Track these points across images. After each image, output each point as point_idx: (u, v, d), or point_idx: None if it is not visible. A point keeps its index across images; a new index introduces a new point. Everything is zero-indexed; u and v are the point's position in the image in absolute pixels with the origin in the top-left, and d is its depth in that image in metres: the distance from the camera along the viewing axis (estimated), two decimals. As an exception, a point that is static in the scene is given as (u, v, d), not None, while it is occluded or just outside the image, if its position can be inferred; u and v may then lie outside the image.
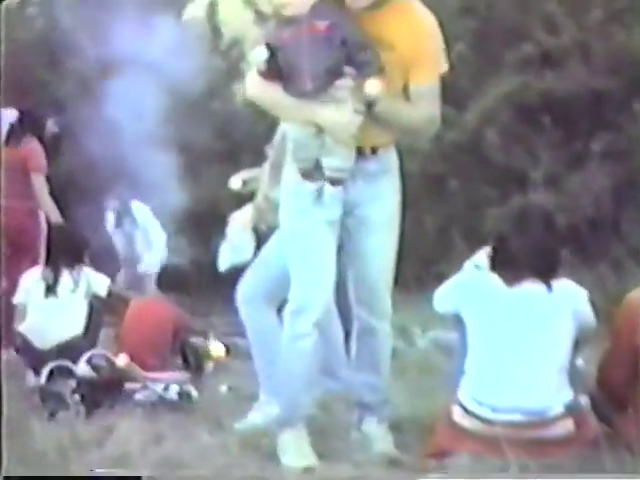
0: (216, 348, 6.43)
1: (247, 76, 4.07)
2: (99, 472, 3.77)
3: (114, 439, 4.23)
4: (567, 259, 7.29)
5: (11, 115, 7.26)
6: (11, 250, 7.09)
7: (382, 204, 4.03)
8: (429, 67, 3.99)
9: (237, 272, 4.96)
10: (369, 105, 3.81)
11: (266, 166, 5.10)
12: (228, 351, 6.41)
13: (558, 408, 3.87)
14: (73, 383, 5.27)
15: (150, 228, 7.89)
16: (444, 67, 4.04)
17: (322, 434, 4.15)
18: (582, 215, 7.81)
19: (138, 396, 5.26)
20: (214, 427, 4.55)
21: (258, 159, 5.32)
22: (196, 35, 9.12)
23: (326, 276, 3.96)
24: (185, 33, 8.92)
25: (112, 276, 6.30)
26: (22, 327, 6.01)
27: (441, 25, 4.01)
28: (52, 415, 5.03)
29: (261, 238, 5.18)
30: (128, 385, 5.39)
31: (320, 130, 3.84)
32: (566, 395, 3.92)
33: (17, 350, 6.12)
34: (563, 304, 3.95)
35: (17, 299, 6.13)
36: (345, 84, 3.83)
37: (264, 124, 4.82)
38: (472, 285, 4.07)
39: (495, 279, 3.98)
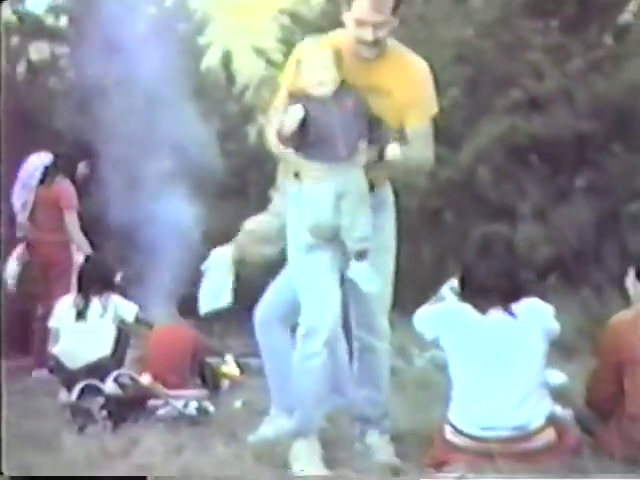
0: (231, 368, 6.44)
1: (268, 132, 4.10)
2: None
3: (139, 450, 4.26)
4: (553, 285, 7.36)
5: (46, 158, 7.34)
6: (45, 279, 7.16)
7: (380, 235, 4.06)
8: (423, 110, 4.05)
9: (251, 299, 4.98)
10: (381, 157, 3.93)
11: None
12: (242, 370, 6.41)
13: (539, 421, 3.87)
14: (101, 400, 5.28)
15: None
16: (435, 109, 4.10)
17: (329, 445, 4.16)
18: (567, 245, 7.81)
19: (160, 411, 5.28)
20: (229, 439, 4.56)
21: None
22: (212, 82, 9.19)
23: (332, 302, 3.99)
24: (203, 80, 9.01)
25: (139, 303, 6.31)
26: (55, 349, 6.05)
27: (436, 72, 4.06)
28: (82, 429, 5.04)
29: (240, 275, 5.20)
30: (151, 401, 5.41)
31: (339, 197, 3.89)
32: (545, 408, 3.93)
33: (51, 370, 6.17)
34: (531, 325, 3.92)
35: (51, 323, 6.18)
36: (362, 148, 3.94)
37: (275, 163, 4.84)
38: (448, 315, 4.04)
39: (468, 308, 3.95)
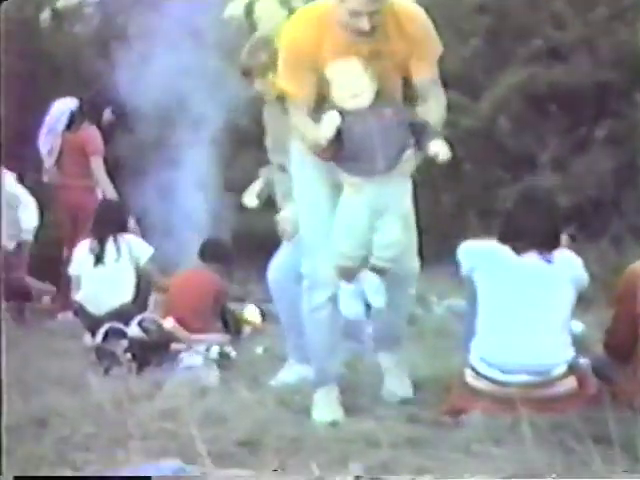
0: (252, 313, 6.45)
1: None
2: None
3: (163, 393, 4.27)
4: (572, 235, 7.31)
5: (72, 103, 7.29)
6: (71, 224, 7.16)
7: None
8: (430, 59, 3.84)
9: (272, 245, 4.95)
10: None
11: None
12: (264, 316, 6.42)
13: (562, 367, 3.88)
14: (125, 343, 5.31)
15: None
16: (441, 49, 3.86)
17: (349, 392, 4.15)
18: (586, 195, 7.74)
19: (183, 355, 5.29)
20: (252, 384, 4.56)
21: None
22: (234, 31, 9.10)
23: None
24: (225, 29, 8.91)
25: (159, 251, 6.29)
26: (78, 296, 6.05)
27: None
28: (107, 371, 5.08)
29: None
30: (174, 345, 5.43)
31: (375, 213, 3.65)
32: (568, 355, 3.94)
33: (76, 313, 6.19)
34: (563, 272, 3.97)
35: (71, 271, 6.16)
36: (410, 157, 3.72)
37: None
38: (486, 251, 4.06)
39: (506, 249, 3.98)
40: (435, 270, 5.49)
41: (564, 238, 4.15)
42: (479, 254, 4.07)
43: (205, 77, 7.57)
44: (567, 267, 4.01)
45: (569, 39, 8.02)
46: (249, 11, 9.14)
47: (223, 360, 5.22)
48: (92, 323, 5.80)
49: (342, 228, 3.68)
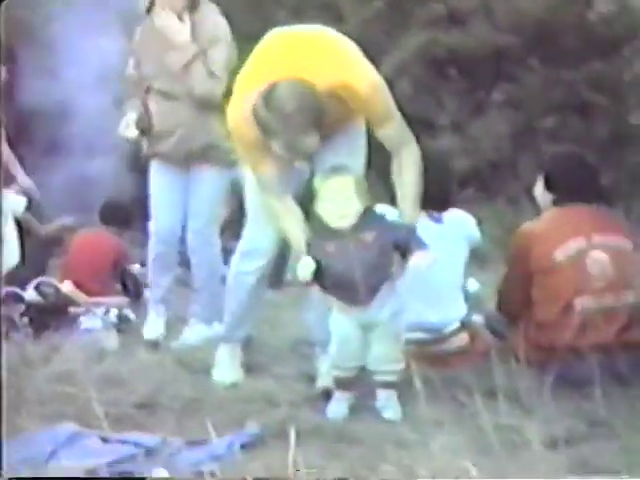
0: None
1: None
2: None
3: (60, 357, 4.18)
4: (470, 195, 7.41)
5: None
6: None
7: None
8: (384, 116, 3.67)
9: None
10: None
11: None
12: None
13: (454, 324, 3.96)
14: (22, 307, 5.19)
15: None
16: (376, 82, 3.77)
17: (251, 352, 4.17)
18: (483, 157, 7.86)
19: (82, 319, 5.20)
20: (152, 346, 4.52)
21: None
22: None
23: (275, 232, 3.81)
24: None
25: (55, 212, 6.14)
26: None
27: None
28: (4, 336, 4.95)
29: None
30: (72, 309, 5.33)
31: (366, 329, 3.52)
32: (461, 312, 4.01)
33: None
34: (454, 231, 4.04)
35: None
36: (390, 287, 3.55)
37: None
38: None
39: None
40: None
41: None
42: None
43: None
44: (458, 226, 4.06)
45: (468, 4, 8.08)
46: None
47: (122, 323, 5.15)
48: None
49: (335, 341, 3.59)
